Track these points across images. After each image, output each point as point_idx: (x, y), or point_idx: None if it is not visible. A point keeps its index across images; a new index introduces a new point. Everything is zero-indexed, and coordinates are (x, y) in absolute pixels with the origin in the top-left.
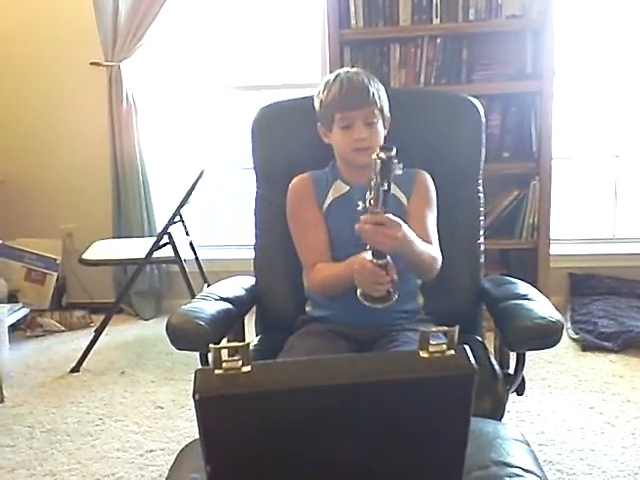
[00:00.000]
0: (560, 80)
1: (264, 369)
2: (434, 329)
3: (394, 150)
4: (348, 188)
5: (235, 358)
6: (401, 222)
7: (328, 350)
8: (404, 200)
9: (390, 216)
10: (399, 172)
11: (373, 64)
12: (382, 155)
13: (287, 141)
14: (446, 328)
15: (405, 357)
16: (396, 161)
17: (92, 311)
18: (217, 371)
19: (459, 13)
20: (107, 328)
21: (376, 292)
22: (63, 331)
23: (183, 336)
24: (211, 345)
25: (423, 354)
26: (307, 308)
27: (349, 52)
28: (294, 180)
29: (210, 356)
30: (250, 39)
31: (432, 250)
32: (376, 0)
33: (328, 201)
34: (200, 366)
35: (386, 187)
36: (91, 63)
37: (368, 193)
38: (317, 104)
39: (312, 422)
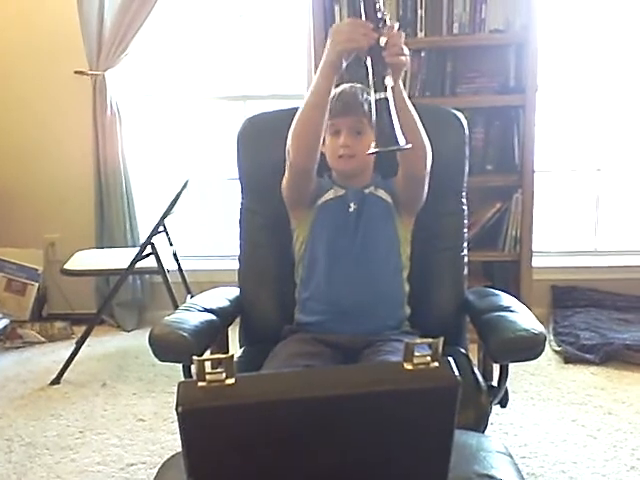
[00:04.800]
0: (543, 94)
1: (248, 381)
2: (419, 341)
3: None
4: (344, 191)
5: (219, 370)
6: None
7: (312, 356)
8: (389, 199)
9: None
10: None
11: (358, 76)
12: None
13: (272, 152)
14: (431, 340)
15: (390, 369)
16: None
17: (73, 322)
18: (200, 383)
19: (443, 27)
20: (88, 339)
21: (361, 43)
22: (43, 342)
23: (166, 347)
24: (194, 357)
25: (407, 366)
26: (295, 315)
27: None
28: None
29: (193, 368)
30: (236, 49)
31: (423, 129)
32: (362, 14)
33: (324, 199)
34: (183, 378)
35: None
36: (75, 72)
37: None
38: None
39: (296, 434)
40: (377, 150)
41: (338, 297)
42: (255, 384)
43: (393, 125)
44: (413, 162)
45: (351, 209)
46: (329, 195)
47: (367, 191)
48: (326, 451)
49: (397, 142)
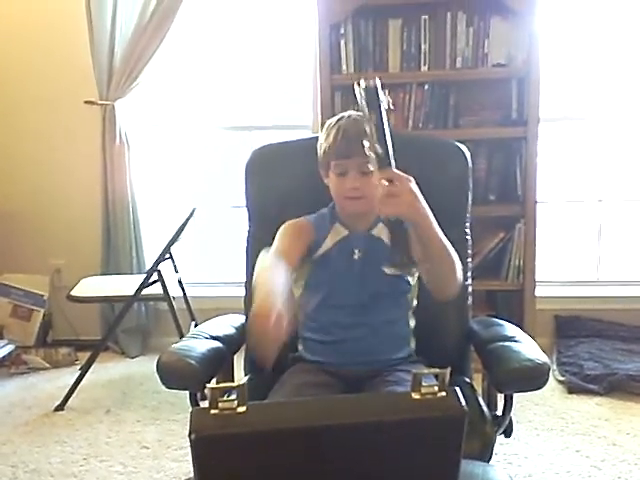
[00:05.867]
0: (544, 125)
1: (260, 409)
2: (426, 371)
3: (377, 80)
4: (347, 232)
5: (230, 398)
6: (411, 178)
7: (318, 386)
8: None
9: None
10: (388, 106)
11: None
12: (364, 84)
13: (280, 183)
14: (438, 370)
15: (398, 398)
16: (381, 91)
17: (78, 348)
18: (213, 411)
19: (446, 61)
20: (92, 365)
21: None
22: (48, 368)
23: (174, 375)
24: (208, 385)
25: (415, 395)
26: (299, 347)
27: (340, 96)
28: (294, 220)
29: (200, 395)
30: (243, 81)
31: (450, 247)
32: (366, 47)
33: (324, 249)
34: (188, 406)
35: (374, 119)
36: (86, 102)
37: (366, 142)
38: (318, 147)
39: (307, 462)
40: (392, 272)
41: (342, 341)
42: (266, 412)
43: (407, 243)
44: (446, 289)
45: (356, 256)
46: (328, 243)
47: (374, 232)
48: (335, 479)
49: (411, 263)
